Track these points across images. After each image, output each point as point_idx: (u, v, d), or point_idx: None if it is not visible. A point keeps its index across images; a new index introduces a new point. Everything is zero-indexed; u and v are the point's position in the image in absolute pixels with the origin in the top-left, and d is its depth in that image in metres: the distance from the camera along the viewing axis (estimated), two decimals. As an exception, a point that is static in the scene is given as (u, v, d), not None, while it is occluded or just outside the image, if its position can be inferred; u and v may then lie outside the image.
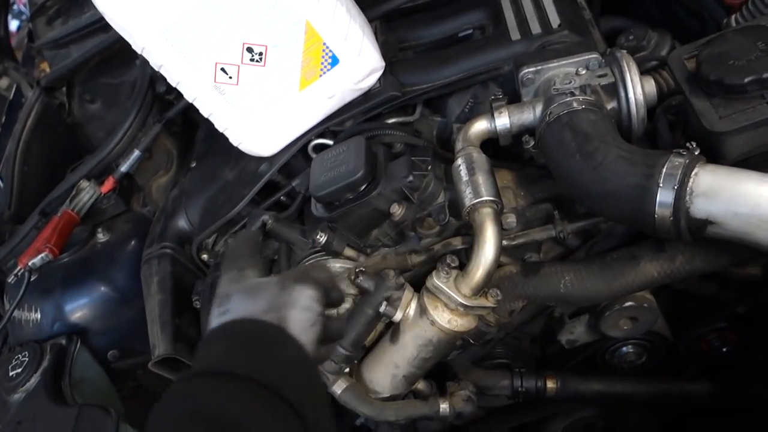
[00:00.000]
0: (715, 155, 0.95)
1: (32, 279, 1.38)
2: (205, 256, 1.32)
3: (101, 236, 1.49)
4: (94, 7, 1.27)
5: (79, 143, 1.76)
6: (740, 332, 1.29)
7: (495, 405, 1.38)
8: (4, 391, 1.34)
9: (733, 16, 1.18)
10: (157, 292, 1.31)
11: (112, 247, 1.48)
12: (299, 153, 1.27)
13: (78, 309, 1.43)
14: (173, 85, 1.15)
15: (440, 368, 1.25)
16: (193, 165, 1.48)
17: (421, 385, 1.20)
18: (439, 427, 1.50)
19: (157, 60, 1.10)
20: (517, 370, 1.28)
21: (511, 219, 1.09)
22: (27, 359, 1.36)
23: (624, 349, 1.30)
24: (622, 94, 1.03)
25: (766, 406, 1.31)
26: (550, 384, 1.27)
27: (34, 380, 1.33)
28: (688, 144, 0.92)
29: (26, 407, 1.30)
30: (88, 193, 1.48)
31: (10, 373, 1.35)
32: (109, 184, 1.48)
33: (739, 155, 0.96)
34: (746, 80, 0.92)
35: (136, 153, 1.47)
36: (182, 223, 1.39)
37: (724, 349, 1.31)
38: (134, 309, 1.43)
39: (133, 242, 1.49)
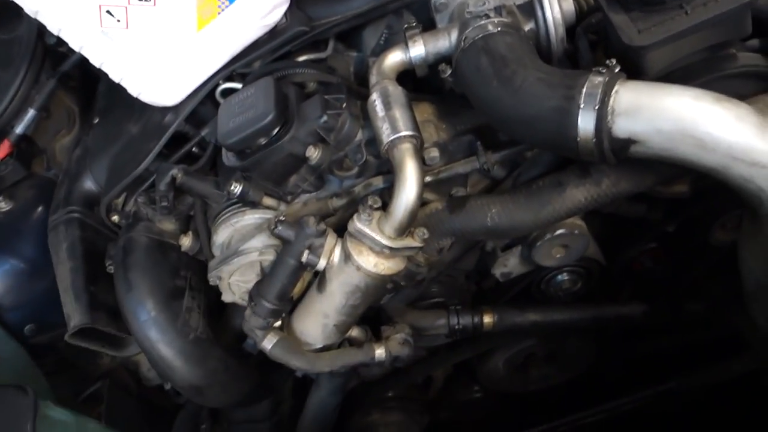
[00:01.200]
0: (636, 71, 0.92)
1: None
2: (115, 218, 1.23)
3: (3, 205, 1.37)
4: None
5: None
6: (671, 251, 1.29)
7: (435, 345, 1.37)
8: None
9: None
10: (66, 260, 1.22)
11: (15, 216, 1.36)
12: (207, 99, 1.18)
13: (-14, 284, 1.33)
14: (55, 33, 1.05)
15: (374, 313, 1.22)
16: (96, 121, 1.37)
17: (355, 332, 1.16)
18: (382, 371, 1.49)
19: (31, 5, 0.99)
20: (452, 307, 1.25)
21: (433, 153, 1.04)
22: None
23: (559, 277, 1.29)
24: (539, 13, 0.99)
25: (698, 322, 1.34)
26: (487, 319, 1.25)
27: (-59, 365, 1.24)
28: (607, 62, 0.88)
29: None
30: (-19, 160, 1.36)
31: None
32: (4, 148, 1.35)
33: (660, 70, 0.93)
34: (664, -10, 0.88)
35: (31, 112, 1.34)
36: (88, 184, 1.29)
37: (656, 269, 1.31)
38: (47, 279, 1.32)
39: (39, 209, 1.38)
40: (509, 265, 1.22)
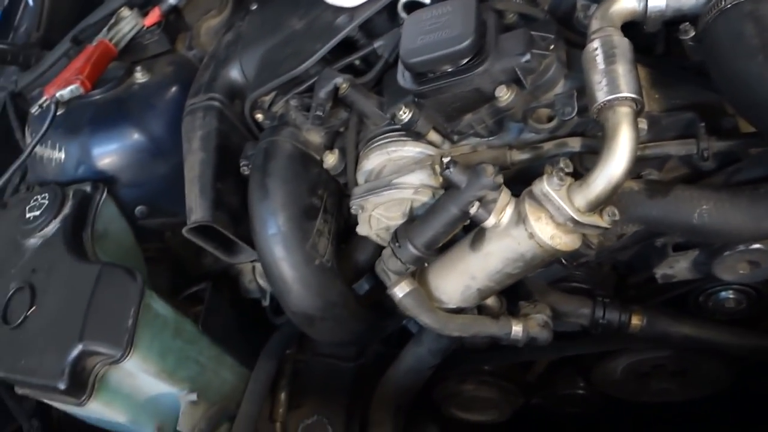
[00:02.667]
0: None
1: (59, 113, 1.20)
2: (259, 116, 1.13)
3: (139, 76, 1.29)
4: None
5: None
6: None
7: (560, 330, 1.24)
8: (20, 233, 1.20)
9: None
10: (199, 149, 1.13)
11: (150, 89, 1.28)
12: (385, 9, 1.06)
13: (107, 155, 1.26)
14: None
15: (513, 285, 1.09)
16: (254, 8, 1.26)
17: (491, 301, 1.04)
18: (487, 342, 1.38)
19: None
20: (600, 299, 1.12)
21: (642, 125, 0.89)
22: (47, 202, 1.21)
23: (723, 293, 1.13)
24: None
25: None
26: (636, 320, 1.11)
27: (53, 227, 1.18)
28: None
29: (42, 255, 1.16)
30: (129, 23, 1.28)
31: (27, 215, 1.20)
32: (154, 16, 1.28)
33: None
34: None
35: (188, -17, 1.25)
36: (235, 73, 1.19)
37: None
38: (169, 164, 1.26)
39: (174, 88, 1.30)
40: (677, 267, 1.07)
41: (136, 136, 1.27)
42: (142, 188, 1.30)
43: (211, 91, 1.18)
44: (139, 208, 1.31)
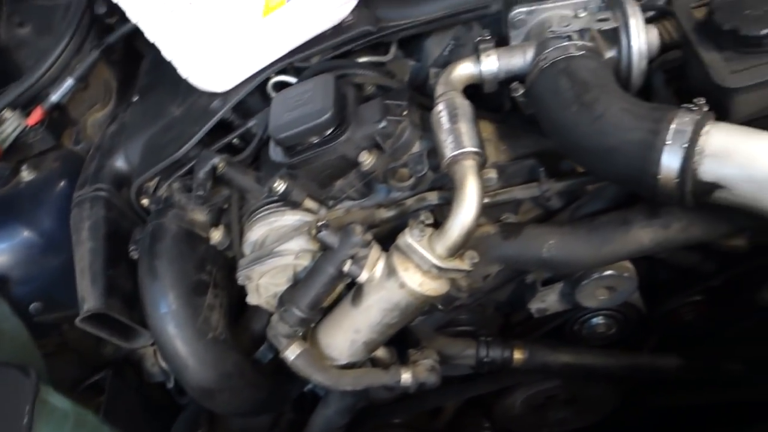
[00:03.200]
0: (721, 113, 0.87)
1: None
2: (145, 201, 1.17)
3: (26, 174, 1.31)
4: None
5: (5, 71, 1.56)
6: (715, 306, 1.24)
7: (453, 374, 1.31)
8: None
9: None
10: (88, 239, 1.16)
11: (38, 186, 1.31)
12: (256, 91, 1.13)
13: (-3, 255, 1.27)
14: (114, 0, 0.99)
15: (401, 334, 1.15)
16: (135, 99, 1.32)
17: (380, 353, 1.10)
18: (393, 394, 1.43)
19: (93, -30, 0.94)
20: (483, 339, 1.19)
21: (491, 174, 0.99)
22: (-66, 307, 1.20)
23: (594, 320, 1.23)
24: (624, 41, 0.94)
25: (735, 382, 1.28)
26: (518, 355, 1.19)
27: (-58, 332, 1.17)
28: (695, 100, 0.83)
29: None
30: (12, 124, 1.30)
31: None
32: (36, 115, 1.30)
33: (747, 115, 0.88)
34: (763, 32, 0.84)
35: (70, 81, 1.29)
36: (120, 162, 1.23)
37: (697, 323, 1.26)
38: (61, 256, 1.27)
39: (62, 182, 1.32)
40: (547, 301, 1.17)
41: (25, 234, 1.28)
42: (36, 284, 1.30)
43: (97, 181, 1.22)
44: (33, 305, 1.31)
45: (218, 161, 1.07)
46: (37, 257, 1.28)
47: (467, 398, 1.45)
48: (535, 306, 1.18)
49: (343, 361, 1.05)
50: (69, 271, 1.19)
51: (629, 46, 0.93)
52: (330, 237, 0.95)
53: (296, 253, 1.03)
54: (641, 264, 1.15)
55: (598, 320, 1.23)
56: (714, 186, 0.79)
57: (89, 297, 1.11)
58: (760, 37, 0.84)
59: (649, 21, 1.00)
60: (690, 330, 1.28)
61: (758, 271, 1.16)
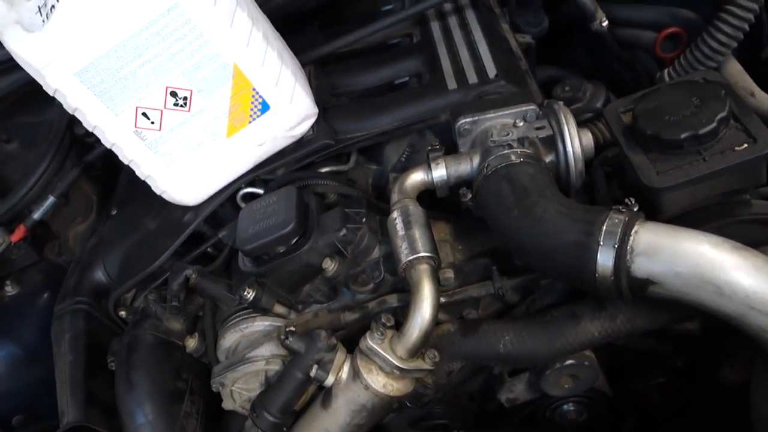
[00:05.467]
0: (652, 210, 0.94)
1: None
2: (123, 313, 1.22)
3: (9, 289, 1.37)
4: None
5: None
6: (678, 386, 1.27)
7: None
8: None
9: (665, 70, 1.19)
10: (68, 352, 1.20)
11: (21, 300, 1.36)
12: (227, 202, 1.20)
13: (-20, 369, 1.31)
14: (90, 129, 1.07)
15: (375, 429, 1.18)
16: (114, 213, 1.39)
17: (355, 451, 1.12)
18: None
19: (71, 103, 1.02)
20: (455, 431, 1.22)
21: (448, 275, 1.04)
22: None
23: (564, 407, 1.26)
24: (560, 147, 1.01)
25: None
26: (490, 446, 1.22)
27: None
28: (626, 200, 0.89)
29: None
30: (-5, 242, 1.37)
31: None
32: (20, 232, 1.37)
33: (676, 210, 0.95)
34: (683, 136, 0.91)
35: (51, 199, 1.36)
36: (99, 275, 1.29)
37: (664, 404, 1.29)
38: (44, 368, 1.30)
39: (45, 295, 1.38)
40: (516, 391, 1.20)
41: (9, 347, 1.32)
42: (19, 397, 1.33)
43: (77, 294, 1.27)
44: (16, 418, 1.33)
45: (191, 272, 1.13)
46: (21, 370, 1.32)
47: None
48: (504, 396, 1.21)
49: (317, 462, 1.07)
50: (52, 382, 1.23)
51: (565, 151, 1.01)
52: (296, 343, 1.00)
53: (267, 359, 1.07)
54: (603, 350, 1.20)
55: (569, 407, 1.26)
56: (647, 282, 0.84)
57: (69, 409, 1.15)
58: (681, 140, 0.91)
59: (583, 123, 1.09)
60: (658, 410, 1.31)
61: (715, 351, 1.21)
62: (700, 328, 1.12)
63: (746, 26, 1.08)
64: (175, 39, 0.98)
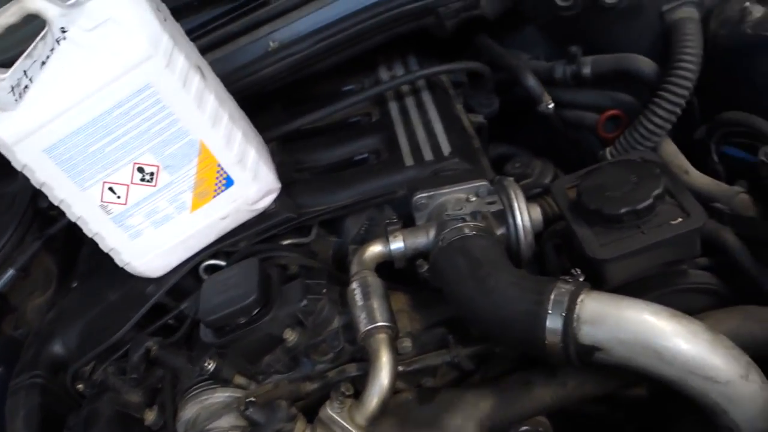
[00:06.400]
0: (598, 280, 0.99)
1: None
2: (80, 386, 1.21)
3: (-37, 363, 1.35)
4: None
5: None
6: (632, 453, 1.30)
7: None
8: None
9: (607, 149, 1.27)
10: (21, 429, 1.18)
11: (-25, 374, 1.33)
12: (189, 274, 1.23)
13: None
14: (56, 203, 1.10)
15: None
16: (75, 285, 1.39)
17: None
18: None
19: (39, 178, 1.05)
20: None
21: (406, 344, 1.08)
22: None
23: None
24: (510, 220, 1.07)
25: None
26: None
27: None
28: (573, 270, 0.95)
29: None
30: (-49, 314, 1.36)
31: None
32: (-23, 305, 1.36)
33: (619, 280, 1.01)
34: (622, 211, 0.98)
35: (11, 272, 1.36)
36: (57, 348, 1.28)
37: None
38: (-4, 446, 1.28)
39: (0, 369, 1.35)
40: (475, 457, 1.22)
41: (-40, 424, 1.29)
42: (-34, 477, 1.29)
43: (34, 368, 1.25)
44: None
45: (151, 344, 1.13)
46: (-29, 449, 1.28)
47: None
48: (466, 462, 1.22)
49: None
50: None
51: (515, 224, 1.06)
52: (256, 414, 1.01)
53: (226, 431, 1.07)
54: (557, 417, 1.23)
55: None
56: (593, 348, 0.89)
57: (21, 489, 1.12)
58: (620, 215, 0.98)
59: (532, 198, 1.16)
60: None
61: (666, 414, 1.24)
62: (647, 393, 1.16)
63: (678, 110, 1.18)
64: (145, 118, 1.03)
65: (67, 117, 0.99)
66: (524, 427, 1.13)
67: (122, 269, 1.21)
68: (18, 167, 1.05)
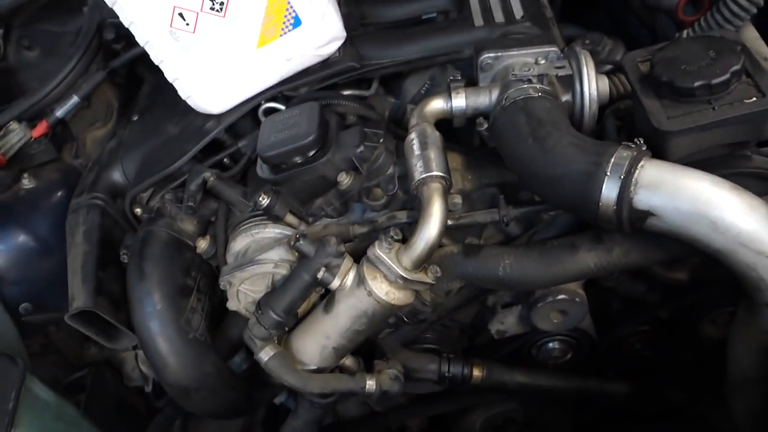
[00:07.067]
0: (659, 153, 0.98)
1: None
2: (138, 210, 1.26)
3: (26, 182, 1.40)
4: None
5: (10, 90, 1.66)
6: (661, 337, 1.34)
7: (419, 392, 1.39)
8: None
9: (685, 31, 1.22)
10: (82, 242, 1.24)
11: (37, 194, 1.39)
12: (248, 115, 1.24)
13: (-7, 255, 1.35)
14: (126, 24, 1.11)
15: (369, 347, 1.24)
16: (135, 118, 1.42)
17: (349, 361, 1.18)
18: (360, 412, 1.50)
19: (111, -5, 1.05)
20: (445, 355, 1.28)
21: (457, 200, 1.09)
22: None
23: (550, 344, 1.32)
24: (578, 87, 1.06)
25: (679, 410, 1.37)
26: (477, 372, 1.28)
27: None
28: (636, 139, 0.94)
29: None
30: (17, 135, 1.40)
31: None
32: (41, 128, 1.40)
33: (681, 155, 1.00)
34: (696, 84, 0.95)
35: (75, 99, 1.39)
36: (117, 175, 1.33)
37: (645, 352, 1.35)
38: (54, 262, 1.35)
39: (59, 193, 1.41)
40: (506, 323, 1.26)
41: (22, 238, 1.36)
42: (27, 286, 1.37)
43: (94, 190, 1.31)
44: (23, 305, 1.37)
45: (209, 175, 1.17)
46: (32, 261, 1.36)
47: (430, 417, 1.53)
48: (495, 327, 1.27)
49: (314, 365, 1.13)
50: (59, 276, 1.27)
51: (582, 92, 1.05)
52: (307, 246, 1.05)
53: (275, 263, 1.12)
54: (593, 292, 1.25)
55: (554, 345, 1.32)
56: (647, 213, 0.89)
57: (79, 295, 1.19)
58: (693, 88, 0.95)
59: (604, 74, 1.13)
60: (638, 359, 1.37)
61: (700, 304, 1.26)
62: (688, 278, 1.17)
63: (768, -7, 1.12)
64: (220, -59, 1.01)
65: (145, -68, 0.98)
66: (561, 296, 1.17)
67: (182, 105, 1.23)
68: (93, -19, 1.05)
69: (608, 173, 0.90)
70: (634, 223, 0.91)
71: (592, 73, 1.05)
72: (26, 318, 1.38)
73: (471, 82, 1.16)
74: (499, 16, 1.20)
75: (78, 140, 1.51)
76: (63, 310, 1.24)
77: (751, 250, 0.86)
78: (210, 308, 1.22)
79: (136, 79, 1.56)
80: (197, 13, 1.08)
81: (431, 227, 0.99)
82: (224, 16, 1.09)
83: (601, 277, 1.08)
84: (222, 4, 1.08)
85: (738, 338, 1.02)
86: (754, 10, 1.15)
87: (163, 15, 1.07)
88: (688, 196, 0.87)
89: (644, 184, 0.88)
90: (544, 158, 0.95)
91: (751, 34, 1.17)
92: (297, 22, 1.12)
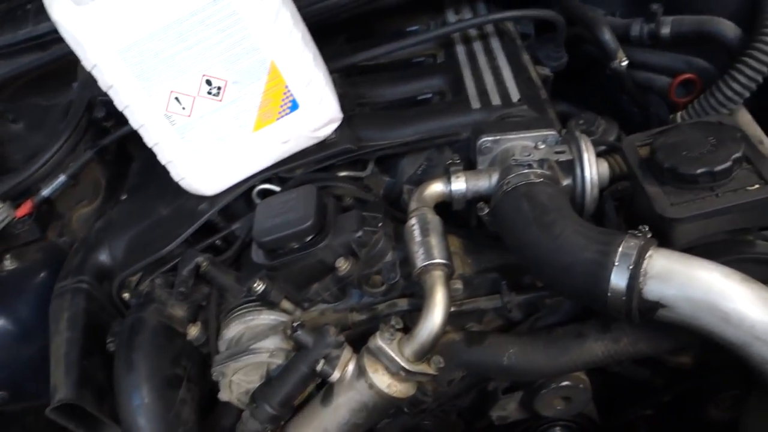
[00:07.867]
0: (662, 240, 0.97)
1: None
2: (126, 295, 1.22)
3: (8, 263, 1.36)
4: (32, 24, 1.19)
5: (-8, 163, 1.63)
6: (665, 420, 1.30)
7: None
8: None
9: (679, 113, 1.24)
10: (65, 329, 1.19)
11: (19, 276, 1.35)
12: (241, 197, 1.22)
13: (-31, 340, 1.29)
14: (120, 109, 1.09)
15: (366, 436, 1.19)
16: (124, 197, 1.39)
17: (346, 453, 1.13)
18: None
19: (108, 80, 1.04)
20: (444, 444, 1.23)
21: (458, 285, 1.07)
22: None
23: (552, 429, 1.28)
24: (578, 172, 1.05)
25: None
26: (478, 461, 1.23)
27: None
28: (640, 227, 0.93)
29: None
30: (0, 214, 1.36)
31: None
32: (26, 207, 1.37)
33: (685, 242, 0.99)
34: (698, 171, 0.95)
35: (62, 178, 1.36)
36: (104, 257, 1.28)
37: (648, 437, 1.32)
38: (34, 347, 1.29)
39: (43, 274, 1.36)
40: (508, 409, 1.22)
41: (1, 322, 1.31)
42: (5, 373, 1.31)
43: (80, 274, 1.26)
44: (0, 394, 1.31)
45: (202, 260, 1.13)
46: (11, 346, 1.30)
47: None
48: (496, 413, 1.23)
49: (310, 460, 1.07)
50: (40, 362, 1.21)
51: (583, 177, 1.04)
52: (305, 336, 1.01)
53: (271, 352, 1.08)
54: (596, 377, 1.22)
55: (556, 430, 1.28)
56: (657, 304, 0.87)
57: (62, 386, 1.13)
58: (696, 175, 0.95)
59: (600, 155, 1.13)
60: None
61: (704, 388, 1.24)
62: (693, 362, 1.15)
63: (760, 78, 1.14)
64: (219, 29, 1.01)
65: (143, 18, 0.98)
66: (565, 382, 1.13)
67: (174, 185, 1.20)
68: (88, 66, 1.03)
69: (617, 263, 0.88)
70: (644, 313, 0.89)
71: (593, 158, 1.05)
72: (2, 407, 1.31)
73: (468, 164, 1.15)
74: (495, 99, 1.21)
75: (63, 218, 1.47)
76: (43, 398, 1.18)
77: (765, 342, 0.84)
78: (200, 398, 1.17)
79: (125, 156, 1.53)
80: (194, 98, 1.07)
81: (435, 317, 0.96)
82: (221, 100, 1.08)
83: (607, 365, 1.05)
84: (219, 88, 1.07)
85: (751, 428, 0.99)
86: (747, 94, 1.16)
87: (159, 100, 1.06)
88: (699, 286, 0.85)
89: (653, 274, 0.87)
90: (550, 246, 0.93)
91: (745, 117, 1.19)
92: (294, 106, 1.12)
